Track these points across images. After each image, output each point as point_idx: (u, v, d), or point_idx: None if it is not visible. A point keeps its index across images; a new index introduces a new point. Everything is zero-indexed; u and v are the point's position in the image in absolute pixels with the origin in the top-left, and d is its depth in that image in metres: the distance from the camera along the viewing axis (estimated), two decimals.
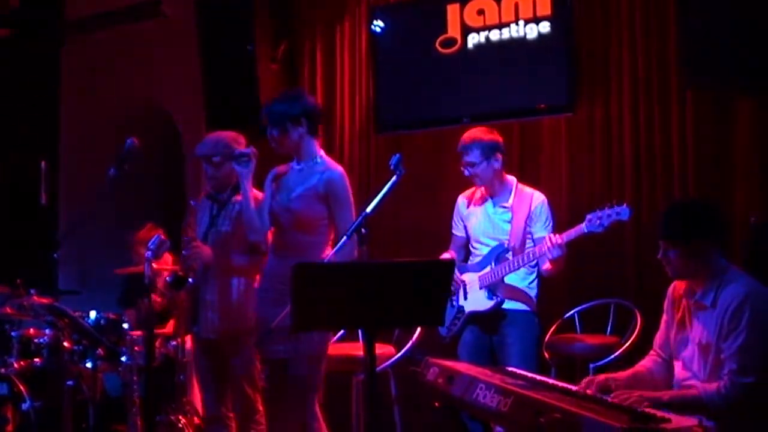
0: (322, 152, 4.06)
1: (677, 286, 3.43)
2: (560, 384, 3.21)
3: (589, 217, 3.96)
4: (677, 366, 3.36)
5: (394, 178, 3.41)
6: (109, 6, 7.34)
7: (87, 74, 7.57)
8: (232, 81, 6.24)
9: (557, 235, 4.06)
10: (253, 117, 4.18)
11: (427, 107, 5.82)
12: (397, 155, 3.45)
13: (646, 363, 3.50)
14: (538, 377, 3.40)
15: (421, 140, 5.91)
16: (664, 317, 3.49)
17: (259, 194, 4.20)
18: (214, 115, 6.36)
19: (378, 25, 5.97)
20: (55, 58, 7.65)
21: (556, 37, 5.30)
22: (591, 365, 4.68)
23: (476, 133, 4.38)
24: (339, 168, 4.03)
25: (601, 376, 3.35)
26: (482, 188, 4.46)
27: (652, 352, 3.54)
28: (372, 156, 6.14)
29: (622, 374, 3.40)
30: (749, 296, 3.11)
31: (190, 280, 4.27)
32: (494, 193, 4.42)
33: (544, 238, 4.14)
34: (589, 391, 3.20)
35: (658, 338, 3.52)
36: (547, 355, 4.86)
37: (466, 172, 4.37)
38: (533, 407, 2.77)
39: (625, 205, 3.90)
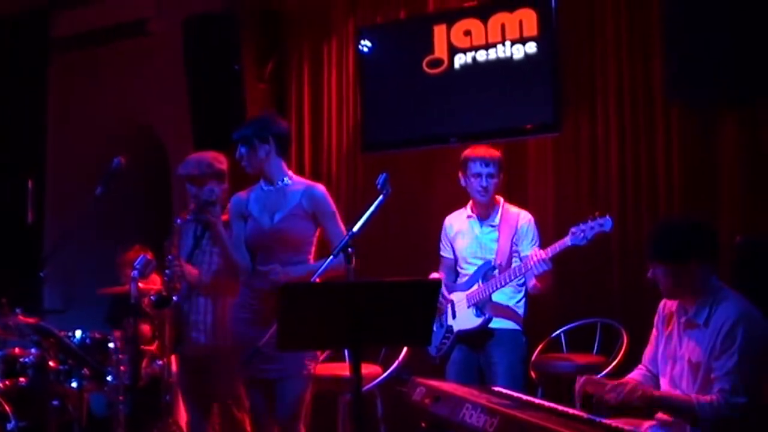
0: (290, 172, 4.09)
1: (668, 302, 3.43)
2: (547, 404, 3.20)
3: (573, 230, 3.98)
4: (663, 383, 3.36)
5: (380, 197, 3.42)
6: (95, 24, 7.33)
7: (74, 93, 7.55)
8: (219, 100, 6.24)
9: (542, 250, 4.08)
10: None
11: (414, 127, 5.82)
12: (384, 174, 3.46)
13: (635, 375, 3.50)
14: (525, 397, 3.40)
15: (407, 160, 5.92)
16: (654, 332, 3.49)
17: None
18: (200, 134, 6.35)
19: (365, 44, 5.99)
20: (42, 76, 7.63)
21: (543, 58, 5.32)
22: None
23: (493, 149, 4.45)
24: (319, 184, 4.08)
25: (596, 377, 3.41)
26: (469, 209, 4.48)
27: (640, 366, 3.55)
28: (359, 175, 6.15)
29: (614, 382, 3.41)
30: (742, 317, 3.11)
31: (174, 298, 4.26)
32: (482, 212, 4.44)
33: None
34: (587, 388, 3.26)
35: (647, 353, 3.52)
36: (533, 375, 4.86)
37: (483, 182, 4.34)
38: (519, 427, 2.77)
39: (607, 216, 3.92)
